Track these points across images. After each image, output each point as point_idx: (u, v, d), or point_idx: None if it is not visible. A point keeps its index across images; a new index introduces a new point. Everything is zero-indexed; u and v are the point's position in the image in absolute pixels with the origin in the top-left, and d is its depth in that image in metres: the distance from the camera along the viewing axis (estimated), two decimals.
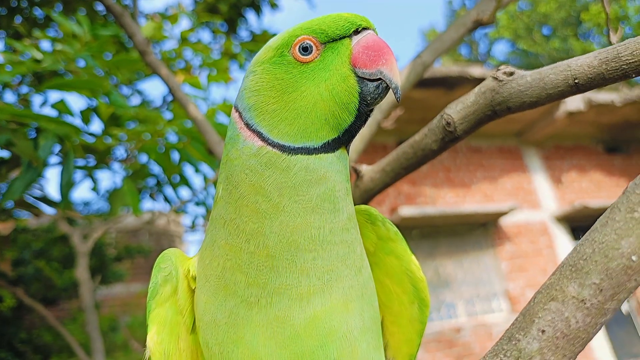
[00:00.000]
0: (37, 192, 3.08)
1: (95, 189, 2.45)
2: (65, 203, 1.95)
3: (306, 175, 0.56)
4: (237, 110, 0.62)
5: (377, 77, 0.56)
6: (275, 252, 0.55)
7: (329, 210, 0.56)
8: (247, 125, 0.59)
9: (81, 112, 2.09)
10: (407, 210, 6.67)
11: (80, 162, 2.42)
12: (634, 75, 0.72)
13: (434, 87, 6.64)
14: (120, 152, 2.73)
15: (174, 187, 2.93)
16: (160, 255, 0.67)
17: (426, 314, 0.70)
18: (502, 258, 7.57)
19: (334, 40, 0.58)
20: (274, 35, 5.13)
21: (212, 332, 0.59)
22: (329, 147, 0.57)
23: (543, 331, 0.47)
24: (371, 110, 0.59)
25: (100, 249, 6.84)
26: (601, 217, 0.49)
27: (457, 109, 0.88)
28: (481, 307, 7.26)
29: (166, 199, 3.51)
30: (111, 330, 6.71)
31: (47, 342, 6.45)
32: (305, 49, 0.58)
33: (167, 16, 3.07)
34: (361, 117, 0.58)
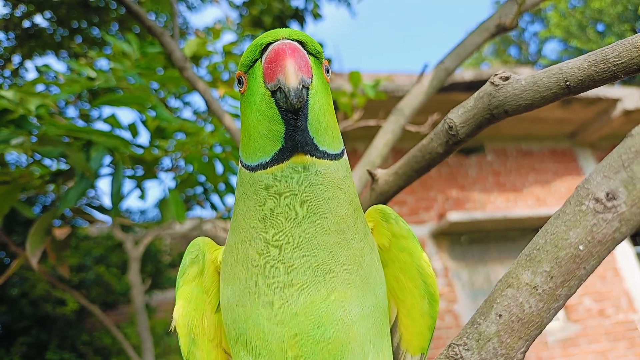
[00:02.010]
0: (95, 202, 3.29)
1: (142, 197, 2.60)
2: (115, 210, 2.10)
3: (268, 191, 0.62)
4: None
5: (279, 87, 0.58)
6: (264, 252, 0.64)
7: (305, 217, 0.62)
8: None
9: (129, 125, 2.24)
10: (455, 216, 6.59)
11: (130, 172, 2.58)
12: (622, 76, 0.75)
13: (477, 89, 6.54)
14: (167, 162, 2.88)
15: (221, 195, 3.07)
16: (190, 242, 0.77)
17: (436, 309, 0.74)
18: None
19: (250, 66, 0.63)
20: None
21: (227, 313, 0.69)
22: (280, 157, 0.61)
23: (500, 315, 0.51)
24: (297, 112, 0.60)
25: (156, 255, 7.14)
26: (556, 210, 0.53)
27: (459, 113, 0.92)
28: None
29: (213, 206, 3.66)
30: (166, 334, 6.97)
31: (107, 345, 6.77)
32: (239, 82, 0.65)
33: (210, 31, 3.21)
34: (289, 123, 0.59)
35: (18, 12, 5.51)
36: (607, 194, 0.49)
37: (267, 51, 0.60)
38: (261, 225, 0.63)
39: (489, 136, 7.73)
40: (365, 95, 3.01)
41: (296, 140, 0.60)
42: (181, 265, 0.75)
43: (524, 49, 18.05)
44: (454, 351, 0.54)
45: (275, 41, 0.60)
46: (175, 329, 0.73)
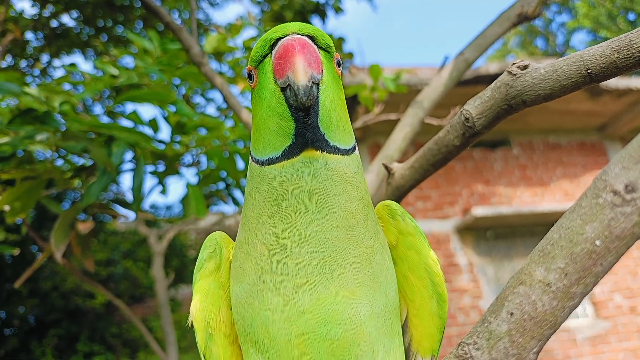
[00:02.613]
0: (120, 198, 3.34)
1: (164, 191, 2.63)
2: (137, 205, 2.13)
3: (277, 185, 0.61)
4: None
5: (288, 84, 0.57)
6: (272, 247, 0.62)
7: (314, 212, 0.61)
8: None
9: (149, 121, 2.26)
10: (480, 211, 6.48)
11: (152, 168, 2.61)
12: None
13: None
14: (189, 158, 2.90)
15: (243, 190, 3.08)
16: (207, 237, 0.76)
17: (444, 309, 0.71)
18: None
19: (260, 62, 0.62)
20: (339, 39, 5.14)
21: (237, 309, 0.68)
22: (290, 153, 0.60)
23: (512, 314, 0.49)
24: (307, 111, 0.59)
25: (181, 250, 7.24)
26: (572, 204, 0.50)
27: (475, 104, 0.89)
28: None
29: (235, 201, 3.68)
30: (192, 328, 7.06)
31: (135, 337, 6.90)
32: (250, 77, 0.65)
33: (230, 27, 3.22)
34: (299, 120, 0.59)
35: (46, 12, 5.63)
36: (626, 186, 0.46)
37: (277, 47, 0.59)
38: (270, 220, 0.63)
39: (515, 129, 7.58)
40: (386, 88, 2.97)
41: (306, 137, 0.59)
42: (198, 259, 0.75)
43: (551, 40, 17.60)
44: (463, 350, 0.52)
45: (285, 36, 0.59)
46: (192, 324, 0.73)
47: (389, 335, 0.66)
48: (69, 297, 6.76)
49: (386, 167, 1.14)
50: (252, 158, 0.66)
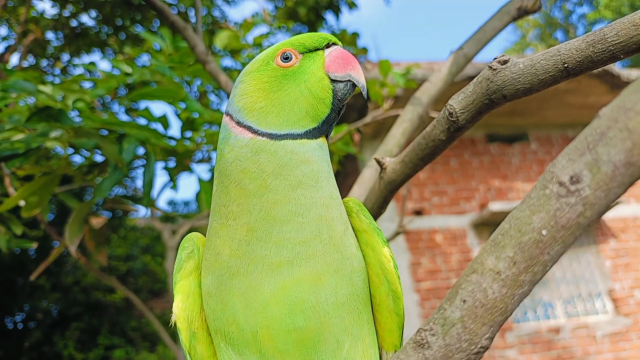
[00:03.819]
0: (135, 194, 3.40)
1: (174, 187, 2.68)
2: (147, 200, 2.18)
3: (292, 157, 0.66)
4: (227, 115, 0.73)
5: (347, 79, 0.70)
6: (255, 226, 0.65)
7: (310, 186, 0.66)
8: (238, 124, 0.70)
9: (159, 117, 2.31)
10: (497, 206, 6.42)
11: (163, 164, 2.66)
12: (622, 56, 0.71)
13: None
14: (200, 155, 2.95)
15: None
16: (184, 237, 0.79)
17: (400, 305, 0.71)
18: (605, 256, 7.03)
19: (311, 51, 0.72)
20: (353, 34, 5.13)
21: (207, 303, 0.70)
22: (310, 134, 0.69)
23: (464, 301, 0.51)
24: (343, 106, 0.72)
25: None
26: (524, 196, 0.52)
27: (459, 99, 0.90)
28: (582, 308, 6.81)
29: None
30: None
31: (155, 331, 7.02)
32: (286, 58, 0.71)
33: (241, 25, 3.25)
34: (335, 110, 0.70)
35: (66, 12, 5.75)
36: (571, 177, 0.47)
37: (333, 48, 0.73)
38: (267, 194, 0.65)
39: (533, 124, 7.49)
40: (396, 84, 2.98)
41: (330, 125, 0.71)
42: (177, 260, 0.76)
43: (571, 32, 17.26)
44: (420, 336, 0.54)
45: (337, 45, 0.74)
46: (175, 324, 0.74)
47: (356, 325, 0.67)
48: (89, 292, 6.92)
49: (378, 162, 1.16)
50: (256, 133, 0.68)
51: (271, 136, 0.67)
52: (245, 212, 0.65)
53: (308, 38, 0.72)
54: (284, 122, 0.68)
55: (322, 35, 0.73)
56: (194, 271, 0.75)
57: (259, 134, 0.68)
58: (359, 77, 0.70)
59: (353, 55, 0.73)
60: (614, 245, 7.11)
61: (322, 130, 0.70)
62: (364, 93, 0.70)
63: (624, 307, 6.65)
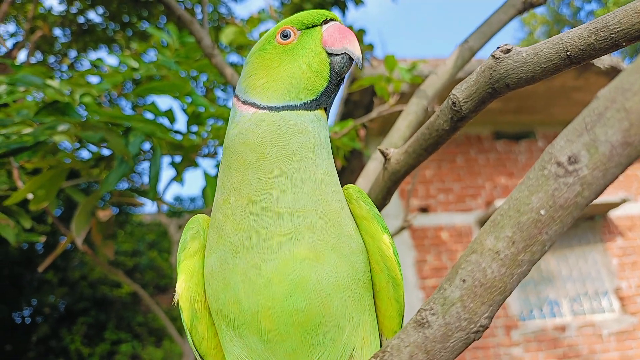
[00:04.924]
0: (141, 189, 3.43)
1: (179, 180, 2.70)
2: (153, 193, 2.20)
3: (289, 126, 0.69)
4: (235, 96, 0.76)
5: (343, 52, 0.72)
6: (255, 196, 0.66)
7: (306, 157, 0.68)
8: (244, 103, 0.73)
9: (165, 112, 2.33)
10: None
11: (170, 159, 2.68)
12: (624, 44, 0.72)
13: None
14: (206, 149, 2.97)
15: None
16: (190, 218, 0.80)
17: (400, 292, 0.72)
18: (612, 254, 6.99)
19: (308, 27, 0.74)
20: (359, 31, 5.17)
21: (209, 283, 0.70)
22: (309, 106, 0.71)
23: (464, 280, 0.52)
24: (341, 79, 0.75)
25: None
26: (523, 178, 0.52)
27: (462, 89, 0.91)
28: (589, 306, 6.78)
29: None
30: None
31: (161, 326, 7.07)
32: (286, 35, 0.74)
33: (247, 20, 3.26)
34: (332, 82, 0.73)
35: (73, 9, 5.78)
36: (569, 158, 0.48)
37: (331, 24, 0.75)
38: (265, 164, 0.67)
39: (539, 121, 7.46)
40: (402, 79, 2.97)
41: (329, 98, 0.74)
42: (181, 240, 0.77)
43: None
44: (421, 316, 0.55)
45: (335, 20, 0.76)
46: (177, 303, 0.74)
47: (357, 309, 0.67)
48: (96, 287, 6.97)
49: (382, 153, 1.16)
50: (258, 107, 0.71)
51: (271, 108, 0.70)
52: (246, 183, 0.67)
53: (306, 15, 0.76)
54: (282, 95, 0.71)
55: (320, 11, 0.76)
56: (199, 252, 0.75)
57: (261, 108, 0.71)
58: (355, 50, 0.73)
59: (350, 30, 0.75)
60: (621, 244, 7.08)
61: (320, 102, 0.73)
62: (359, 65, 0.73)
63: (630, 306, 6.62)
